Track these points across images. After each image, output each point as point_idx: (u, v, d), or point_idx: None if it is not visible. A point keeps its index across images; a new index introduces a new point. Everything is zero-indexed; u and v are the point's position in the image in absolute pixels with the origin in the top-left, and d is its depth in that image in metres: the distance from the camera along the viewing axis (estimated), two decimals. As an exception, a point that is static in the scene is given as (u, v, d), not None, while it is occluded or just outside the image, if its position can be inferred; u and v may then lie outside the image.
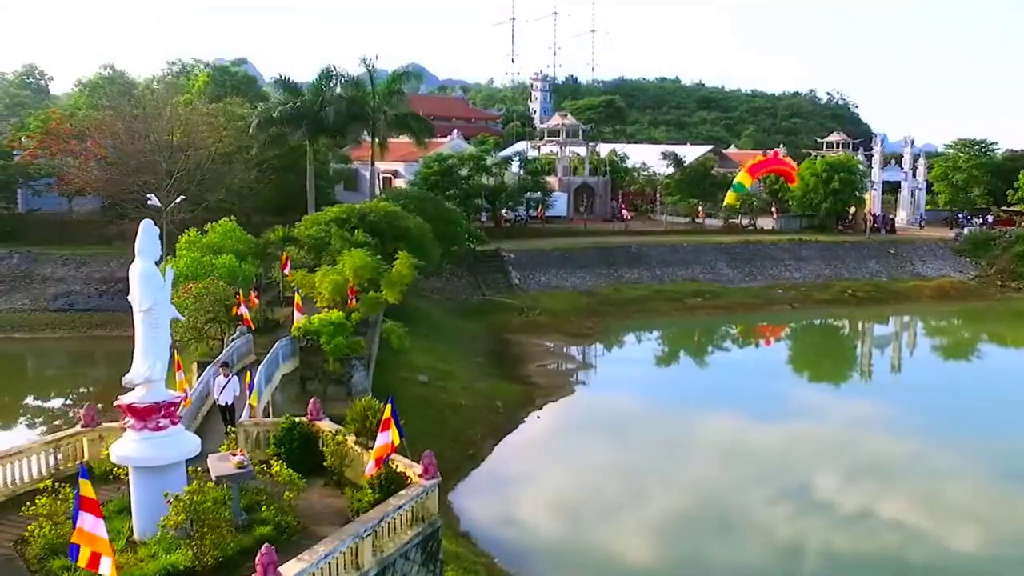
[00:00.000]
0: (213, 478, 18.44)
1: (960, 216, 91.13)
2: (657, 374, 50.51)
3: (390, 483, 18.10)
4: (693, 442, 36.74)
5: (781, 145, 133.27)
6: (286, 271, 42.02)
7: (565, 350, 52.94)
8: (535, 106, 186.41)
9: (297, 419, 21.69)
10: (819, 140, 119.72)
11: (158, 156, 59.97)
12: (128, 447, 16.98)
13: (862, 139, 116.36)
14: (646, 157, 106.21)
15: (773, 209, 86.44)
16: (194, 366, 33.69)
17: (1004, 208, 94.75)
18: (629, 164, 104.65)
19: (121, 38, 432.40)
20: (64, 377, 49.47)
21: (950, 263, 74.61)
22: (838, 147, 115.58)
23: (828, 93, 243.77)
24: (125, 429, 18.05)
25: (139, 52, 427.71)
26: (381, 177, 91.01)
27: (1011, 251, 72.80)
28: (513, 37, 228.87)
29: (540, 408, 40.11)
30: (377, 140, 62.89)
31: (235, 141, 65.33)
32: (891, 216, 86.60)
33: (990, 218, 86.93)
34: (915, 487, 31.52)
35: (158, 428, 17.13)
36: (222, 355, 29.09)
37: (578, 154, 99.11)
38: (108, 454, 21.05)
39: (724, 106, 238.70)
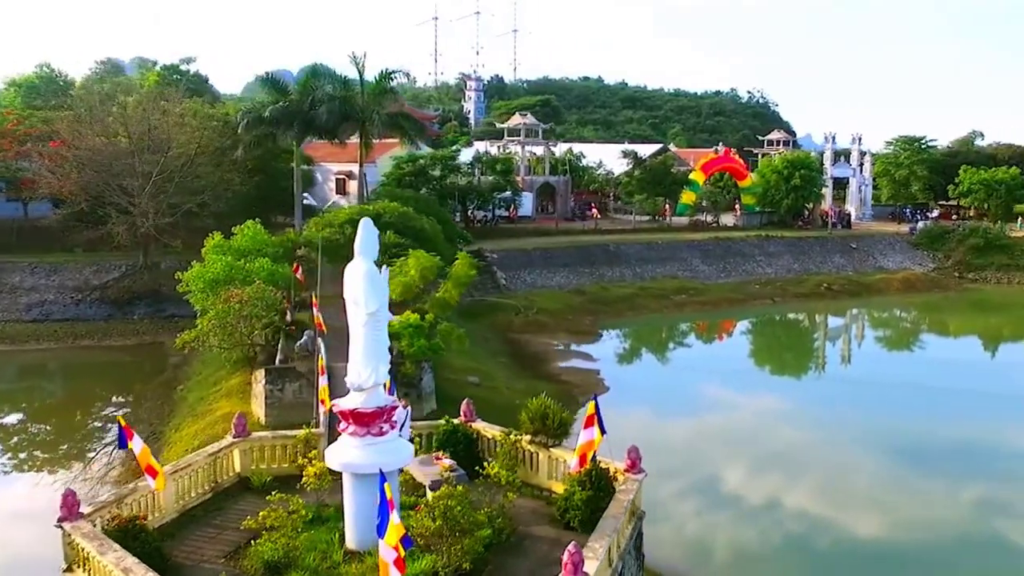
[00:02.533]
0: (429, 483, 18.23)
1: (906, 211, 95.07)
2: (682, 370, 51.23)
3: (599, 479, 18.11)
4: (748, 435, 37.66)
5: (720, 144, 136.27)
6: (298, 274, 41.31)
7: (576, 348, 53.19)
8: (469, 106, 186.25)
9: (456, 421, 21.53)
10: (760, 138, 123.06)
11: (131, 159, 58.06)
12: (351, 453, 16.59)
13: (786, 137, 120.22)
14: (601, 156, 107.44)
15: (737, 206, 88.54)
16: (260, 372, 32.90)
17: (941, 203, 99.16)
18: (585, 163, 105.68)
19: (56, 35, 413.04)
20: (82, 389, 47.14)
21: (909, 256, 77.73)
22: (779, 144, 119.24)
23: (749, 92, 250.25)
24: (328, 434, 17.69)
25: (74, 50, 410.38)
26: (335, 179, 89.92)
27: (965, 244, 76.20)
28: (436, 37, 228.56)
29: (582, 407, 40.30)
30: (363, 140, 62.01)
31: (214, 142, 63.73)
32: (847, 212, 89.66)
33: (935, 213, 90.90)
34: (822, 477, 32.42)
35: (381, 433, 16.79)
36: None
37: (534, 153, 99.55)
38: (256, 466, 20.58)
39: (649, 105, 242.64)
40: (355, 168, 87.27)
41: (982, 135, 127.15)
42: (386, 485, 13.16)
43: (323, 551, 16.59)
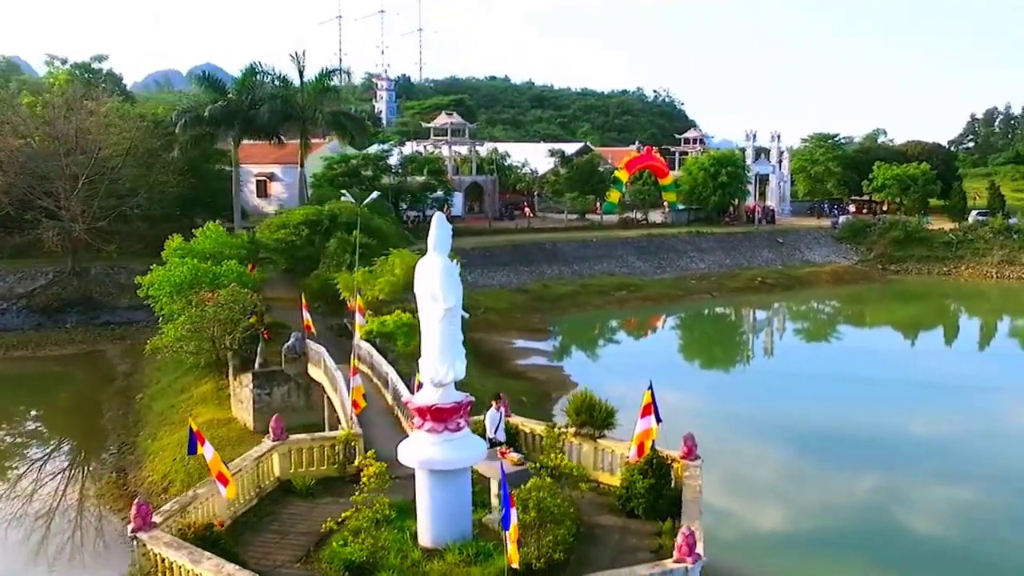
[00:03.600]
0: (502, 477, 18.16)
1: (824, 206, 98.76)
2: (640, 364, 51.87)
3: (660, 467, 18.40)
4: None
5: (638, 142, 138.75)
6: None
7: (531, 345, 53.51)
8: (381, 106, 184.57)
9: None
10: (678, 137, 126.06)
11: (58, 161, 55.67)
12: (430, 450, 16.42)
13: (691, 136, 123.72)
14: (525, 155, 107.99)
15: (665, 204, 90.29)
16: (246, 377, 32.08)
17: (855, 197, 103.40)
18: (509, 162, 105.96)
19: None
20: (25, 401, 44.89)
21: (833, 250, 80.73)
22: (694, 143, 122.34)
23: (655, 91, 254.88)
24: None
25: None
26: (255, 181, 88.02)
27: (887, 237, 79.57)
28: (340, 36, 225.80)
29: (555, 403, 40.61)
30: (304, 140, 61.06)
31: (145, 143, 61.56)
32: (771, 208, 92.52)
33: (852, 208, 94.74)
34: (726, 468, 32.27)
35: (458, 429, 16.70)
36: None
37: (460, 153, 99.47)
38: (295, 469, 20.19)
39: (557, 104, 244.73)
40: (277, 169, 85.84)
41: (885, 132, 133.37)
42: (497, 482, 13.17)
43: (399, 550, 16.38)
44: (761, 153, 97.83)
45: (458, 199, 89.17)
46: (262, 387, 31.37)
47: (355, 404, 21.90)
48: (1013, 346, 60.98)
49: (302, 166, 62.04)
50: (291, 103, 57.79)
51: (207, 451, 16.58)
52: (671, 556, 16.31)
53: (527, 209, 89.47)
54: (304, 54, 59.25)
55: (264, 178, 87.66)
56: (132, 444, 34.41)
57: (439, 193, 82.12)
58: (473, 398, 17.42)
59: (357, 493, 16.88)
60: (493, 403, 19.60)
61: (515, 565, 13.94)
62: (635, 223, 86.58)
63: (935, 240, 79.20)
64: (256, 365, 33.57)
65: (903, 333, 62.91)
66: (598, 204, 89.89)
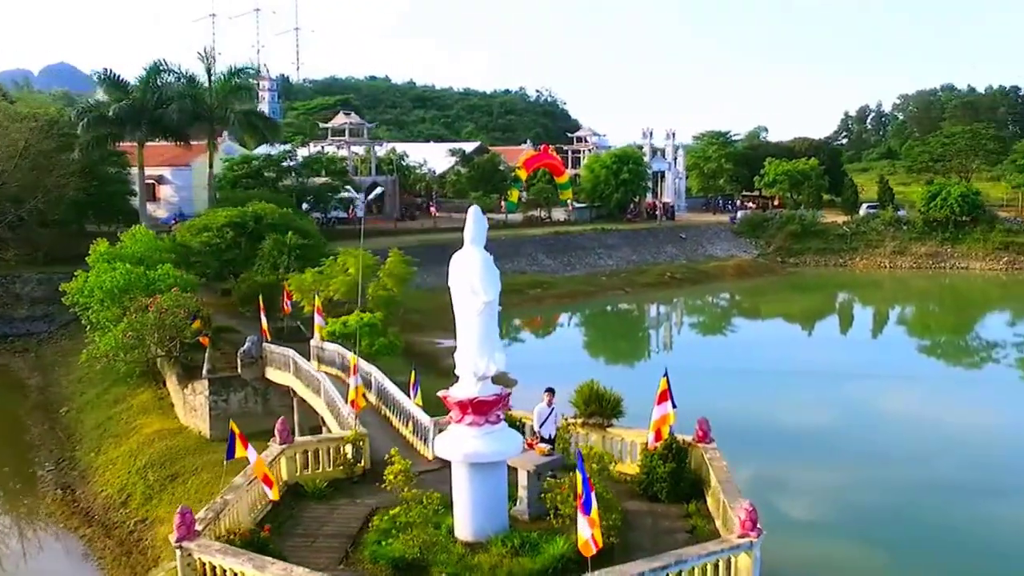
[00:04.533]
0: (533, 468, 18.21)
1: (719, 201, 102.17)
2: (575, 361, 52.43)
3: (679, 452, 18.85)
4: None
5: (528, 141, 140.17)
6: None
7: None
8: (263, 106, 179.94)
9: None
10: (569, 136, 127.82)
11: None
12: (472, 444, 16.29)
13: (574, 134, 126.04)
14: (424, 155, 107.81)
15: (570, 202, 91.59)
16: (201, 383, 30.99)
17: (745, 193, 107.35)
18: (408, 162, 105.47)
19: None
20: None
21: (734, 244, 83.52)
22: (586, 141, 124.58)
23: (537, 91, 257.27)
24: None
25: None
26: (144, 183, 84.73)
27: (784, 231, 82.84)
28: (214, 35, 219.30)
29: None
30: (212, 140, 59.16)
31: (39, 144, 58.32)
32: (671, 204, 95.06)
33: (751, 205, 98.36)
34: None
35: (497, 421, 16.69)
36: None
37: (357, 154, 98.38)
38: (300, 472, 19.77)
39: (440, 104, 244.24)
40: (166, 172, 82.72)
41: (766, 129, 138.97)
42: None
43: (441, 545, 16.24)
44: (657, 151, 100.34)
45: (360, 200, 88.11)
46: (218, 393, 30.45)
47: (354, 404, 21.51)
48: (900, 333, 64.05)
49: (211, 166, 60.01)
50: (200, 102, 55.85)
51: (251, 454, 16.06)
52: (706, 536, 16.94)
53: (432, 209, 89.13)
54: (213, 51, 57.47)
55: (152, 181, 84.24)
56: (71, 459, 32.73)
57: (344, 194, 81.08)
58: (508, 391, 17.40)
59: (406, 490, 16.62)
60: (544, 397, 19.52)
61: (594, 551, 14.05)
62: (540, 221, 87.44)
63: (830, 233, 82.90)
64: (204, 371, 32.53)
65: (801, 324, 65.41)
66: (502, 203, 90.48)
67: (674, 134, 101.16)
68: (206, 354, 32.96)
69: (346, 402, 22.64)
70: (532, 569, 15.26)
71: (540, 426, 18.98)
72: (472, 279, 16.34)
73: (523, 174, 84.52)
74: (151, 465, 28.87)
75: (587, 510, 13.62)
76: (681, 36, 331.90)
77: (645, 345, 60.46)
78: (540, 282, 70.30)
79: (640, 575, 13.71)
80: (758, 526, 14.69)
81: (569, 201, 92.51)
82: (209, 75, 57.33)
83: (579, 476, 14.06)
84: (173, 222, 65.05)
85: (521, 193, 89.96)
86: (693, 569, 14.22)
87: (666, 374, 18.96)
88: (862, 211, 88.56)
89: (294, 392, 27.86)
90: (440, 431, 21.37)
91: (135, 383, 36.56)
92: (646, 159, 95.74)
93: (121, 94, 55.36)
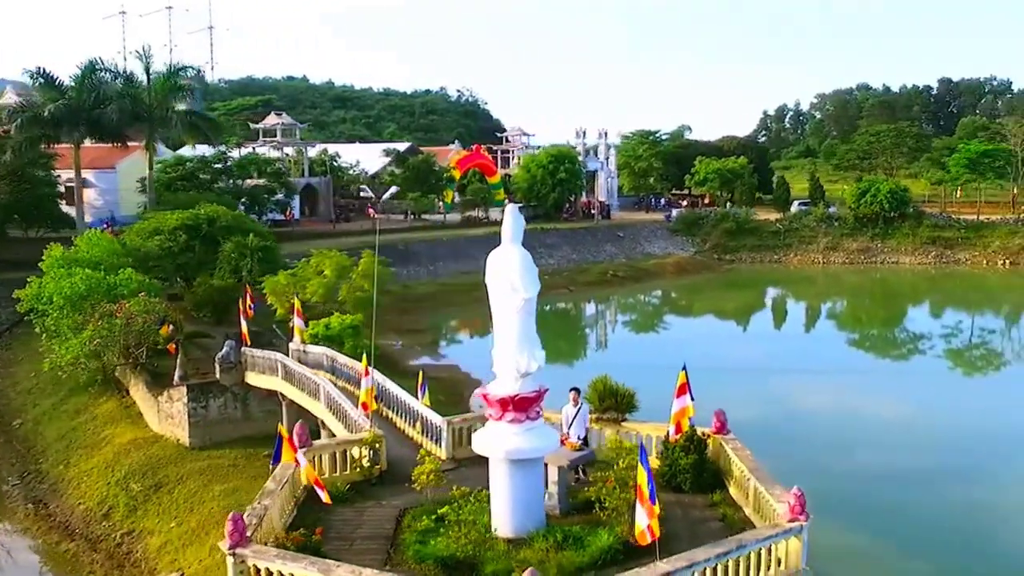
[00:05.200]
0: (565, 465, 18.36)
1: (651, 200, 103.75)
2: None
3: (699, 443, 19.27)
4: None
5: (455, 141, 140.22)
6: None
7: (415, 347, 53.33)
8: (182, 106, 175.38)
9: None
10: (499, 135, 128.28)
11: None
12: (514, 440, 16.41)
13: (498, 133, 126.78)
14: (357, 155, 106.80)
15: (507, 200, 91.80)
16: (180, 390, 30.19)
17: (675, 191, 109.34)
18: (340, 163, 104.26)
19: None
20: None
21: (671, 242, 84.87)
22: (510, 140, 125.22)
23: (458, 91, 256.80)
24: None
25: None
26: (65, 187, 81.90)
27: (719, 228, 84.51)
28: (124, 33, 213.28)
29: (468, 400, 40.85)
30: (150, 142, 57.51)
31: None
32: (607, 203, 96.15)
33: (684, 203, 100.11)
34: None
35: (536, 417, 16.83)
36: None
37: (288, 155, 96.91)
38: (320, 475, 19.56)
39: (360, 105, 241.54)
40: (89, 175, 79.85)
41: (690, 128, 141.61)
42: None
43: (488, 542, 16.27)
44: (589, 150, 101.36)
45: (295, 202, 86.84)
46: (197, 400, 29.72)
47: (365, 406, 21.34)
48: (833, 327, 65.45)
49: (151, 168, 58.25)
50: (139, 102, 54.27)
51: (301, 459, 15.83)
52: (737, 524, 17.41)
53: (371, 211, 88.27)
54: (149, 49, 55.82)
55: (73, 184, 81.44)
56: (37, 473, 31.49)
57: (280, 196, 79.79)
58: (548, 387, 17.51)
59: (455, 488, 16.62)
60: (571, 396, 19.60)
61: (649, 540, 14.32)
62: (478, 222, 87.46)
63: (764, 230, 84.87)
64: (176, 378, 31.76)
65: (737, 320, 66.57)
66: (440, 203, 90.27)
67: (606, 133, 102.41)
68: (178, 360, 32.19)
69: (354, 405, 22.48)
70: (580, 563, 15.45)
71: (568, 426, 19.09)
72: (512, 276, 16.47)
73: (456, 174, 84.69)
74: (131, 476, 28.05)
75: (653, 500, 13.90)
76: (602, 36, 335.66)
77: (583, 344, 60.80)
78: (481, 283, 70.32)
79: (707, 560, 14.06)
80: (807, 510, 15.19)
81: (506, 200, 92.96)
82: (148, 74, 55.72)
83: (641, 468, 14.31)
84: (104, 227, 63.11)
85: (455, 193, 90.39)
86: (750, 554, 14.62)
87: (684, 368, 19.40)
88: (793, 208, 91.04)
89: (283, 396, 27.41)
90: (453, 431, 21.49)
91: (96, 392, 35.39)
92: (580, 158, 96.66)
93: (56, 94, 53.39)
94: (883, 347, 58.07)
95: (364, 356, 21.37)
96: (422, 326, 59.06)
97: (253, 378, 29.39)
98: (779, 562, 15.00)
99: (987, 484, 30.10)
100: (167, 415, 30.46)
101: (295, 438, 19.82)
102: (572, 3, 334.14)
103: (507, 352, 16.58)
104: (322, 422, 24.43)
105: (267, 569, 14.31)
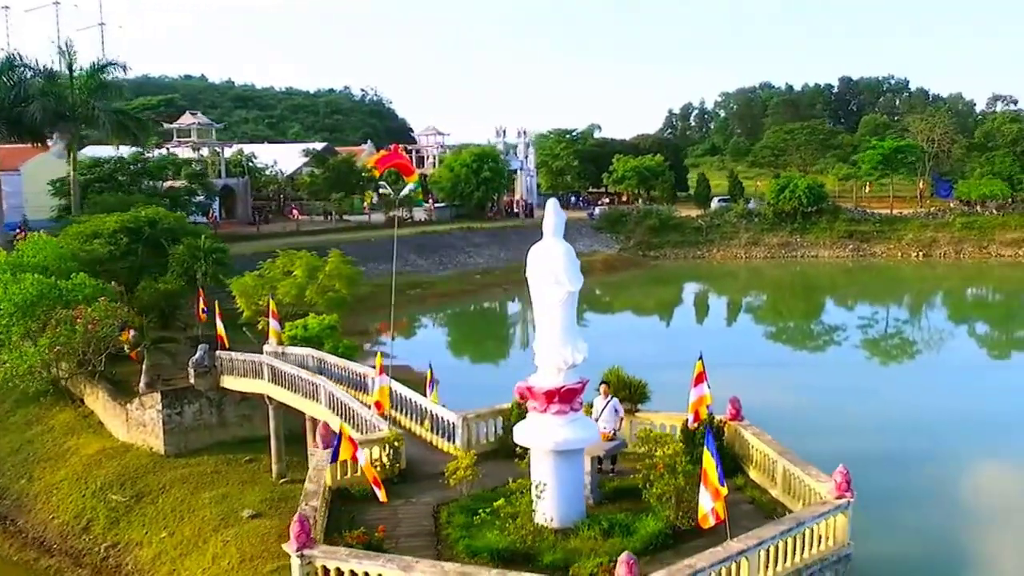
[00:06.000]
0: (602, 454, 18.65)
1: (571, 198, 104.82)
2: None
3: (717, 430, 19.83)
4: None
5: (368, 141, 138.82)
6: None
7: (366, 348, 52.77)
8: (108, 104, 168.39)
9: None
10: (412, 135, 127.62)
11: None
12: (560, 432, 16.63)
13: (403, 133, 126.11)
14: (274, 155, 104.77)
15: (429, 200, 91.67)
16: (153, 397, 29.22)
17: (592, 190, 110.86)
18: (257, 163, 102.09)
19: None
20: None
21: (596, 239, 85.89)
22: (416, 140, 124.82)
23: (363, 90, 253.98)
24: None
25: None
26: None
27: (643, 225, 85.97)
28: (8, 29, 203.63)
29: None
30: (73, 143, 55.29)
31: None
32: (530, 202, 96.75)
33: (606, 200, 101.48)
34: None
35: (578, 409, 17.08)
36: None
37: (202, 155, 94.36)
38: (340, 476, 19.46)
39: (262, 104, 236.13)
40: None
41: (600, 127, 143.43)
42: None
43: (537, 533, 16.40)
44: (510, 149, 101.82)
45: (215, 204, 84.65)
46: (172, 407, 28.85)
47: (379, 405, 21.16)
48: (753, 321, 67.28)
49: (74, 170, 55.83)
50: (62, 101, 52.05)
51: (360, 458, 15.65)
52: (768, 505, 18.05)
53: (295, 212, 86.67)
54: (72, 44, 53.55)
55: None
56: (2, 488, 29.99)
57: (201, 198, 77.65)
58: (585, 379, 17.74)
59: (512, 481, 16.67)
60: (601, 389, 19.80)
61: (712, 523, 14.75)
62: (403, 222, 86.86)
63: (687, 226, 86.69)
64: (142, 385, 30.86)
65: (660, 315, 68.00)
66: (366, 204, 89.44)
67: (525, 132, 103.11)
68: (143, 367, 31.28)
69: (362, 404, 22.27)
70: (632, 549, 15.59)
71: (597, 419, 19.34)
72: (556, 270, 16.64)
73: (376, 173, 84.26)
74: (108, 487, 27.07)
75: (722, 482, 14.33)
76: (508, 37, 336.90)
77: (508, 344, 61.03)
78: (419, 283, 70.04)
79: (772, 538, 14.56)
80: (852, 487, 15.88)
81: (430, 200, 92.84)
82: (71, 71, 53.50)
83: (708, 452, 14.71)
84: (17, 231, 60.43)
85: (375, 194, 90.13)
86: (805, 531, 15.19)
87: (701, 357, 19.94)
88: (714, 205, 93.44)
89: (270, 399, 26.86)
90: (468, 426, 21.50)
91: (48, 403, 33.89)
92: (503, 157, 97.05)
93: (-29, 91, 50.84)
94: (802, 339, 59.60)
95: (379, 355, 21.12)
96: (360, 326, 58.43)
97: (231, 382, 28.69)
98: (828, 538, 15.62)
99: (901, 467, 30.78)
100: (138, 423, 29.47)
101: (319, 439, 19.62)
102: (474, 4, 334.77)
103: (550, 345, 16.75)
104: (311, 424, 24.06)
105: (337, 569, 14.14)
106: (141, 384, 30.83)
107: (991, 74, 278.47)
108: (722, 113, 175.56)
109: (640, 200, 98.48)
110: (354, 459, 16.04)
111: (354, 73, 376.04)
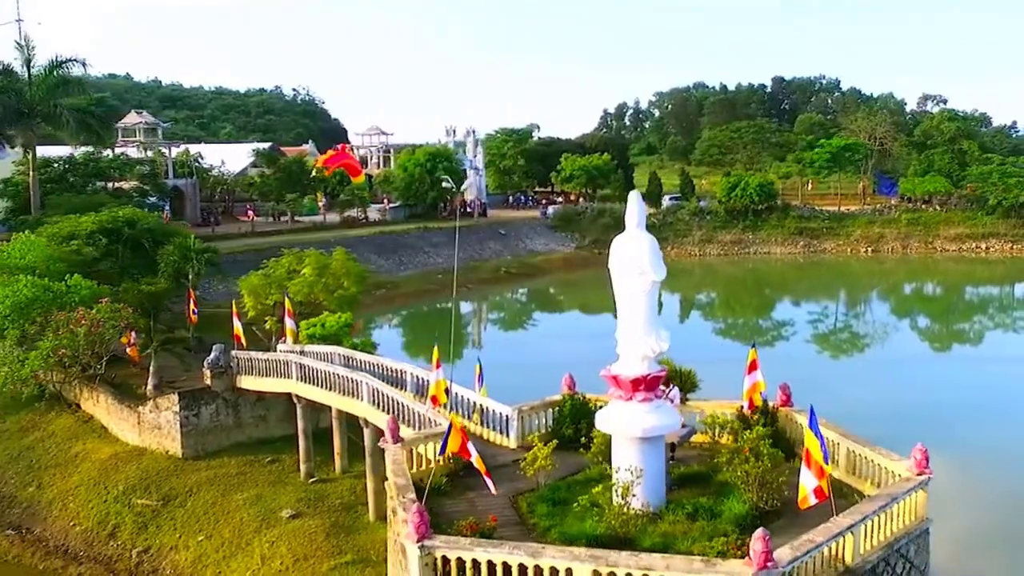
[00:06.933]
0: (676, 441, 19.07)
1: (521, 198, 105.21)
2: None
3: (771, 415, 20.50)
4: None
5: (309, 141, 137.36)
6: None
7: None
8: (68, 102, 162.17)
9: (578, 395, 22.03)
10: (358, 134, 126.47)
11: None
12: (649, 419, 17.03)
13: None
14: (222, 155, 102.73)
15: (385, 200, 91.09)
16: (169, 399, 28.62)
17: (538, 189, 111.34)
18: (204, 164, 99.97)
19: None
20: None
21: (551, 238, 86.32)
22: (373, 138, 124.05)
23: (294, 90, 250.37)
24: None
25: None
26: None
27: (597, 224, 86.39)
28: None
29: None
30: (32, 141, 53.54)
31: None
32: (484, 201, 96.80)
33: (560, 200, 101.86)
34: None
35: (661, 396, 17.50)
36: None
37: (147, 155, 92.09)
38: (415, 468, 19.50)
39: (192, 104, 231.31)
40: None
41: (538, 127, 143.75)
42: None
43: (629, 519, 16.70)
44: (458, 149, 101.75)
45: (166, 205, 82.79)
46: (189, 408, 28.34)
47: (435, 399, 21.23)
48: (705, 318, 68.66)
49: (34, 171, 54.00)
50: (21, 98, 50.38)
51: (472, 451, 15.79)
52: (835, 486, 18.65)
53: (251, 213, 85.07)
54: (30, 40, 51.87)
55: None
56: (4, 497, 29.01)
57: (152, 199, 75.87)
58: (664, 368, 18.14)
59: (587, 469, 16.96)
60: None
61: (812, 503, 15.32)
62: (357, 222, 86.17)
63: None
64: (151, 387, 30.28)
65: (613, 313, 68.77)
66: (322, 205, 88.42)
67: (474, 131, 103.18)
68: (151, 368, 30.67)
69: (414, 400, 22.30)
70: (724, 531, 16.20)
71: None
72: (641, 260, 17.02)
73: (326, 174, 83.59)
74: (131, 491, 26.50)
75: (827, 461, 14.94)
76: (439, 36, 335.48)
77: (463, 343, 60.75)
78: (383, 283, 69.51)
79: (873, 513, 15.19)
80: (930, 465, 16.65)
81: (386, 200, 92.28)
82: (28, 67, 51.85)
83: (811, 433, 15.29)
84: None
85: (325, 195, 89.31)
86: (895, 506, 15.86)
87: (754, 346, 20.62)
88: (664, 203, 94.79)
89: (299, 398, 26.60)
90: (522, 418, 21.70)
91: (43, 409, 32.98)
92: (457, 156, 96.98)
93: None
94: (750, 336, 60.10)
95: (435, 349, 21.16)
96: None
97: (251, 382, 28.31)
98: (911, 513, 16.33)
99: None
100: (152, 426, 28.86)
101: (388, 433, 19.61)
102: (407, 4, 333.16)
103: (634, 334, 17.14)
104: (364, 421, 23.95)
105: (457, 559, 14.27)
106: (148, 387, 30.23)
107: (919, 74, 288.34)
108: (656, 112, 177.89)
109: (585, 199, 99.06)
110: (463, 451, 16.07)
111: (282, 72, 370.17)
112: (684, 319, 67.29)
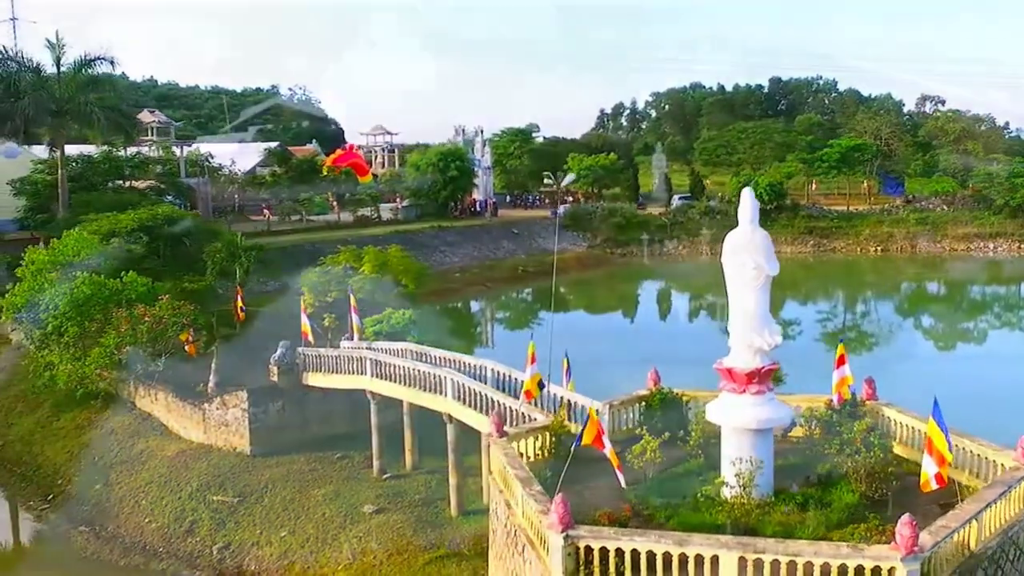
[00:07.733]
0: (784, 433, 19.40)
1: (528, 197, 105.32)
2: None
3: (859, 406, 20.83)
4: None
5: (313, 140, 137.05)
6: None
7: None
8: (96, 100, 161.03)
9: (666, 390, 22.30)
10: (362, 134, 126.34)
11: None
12: (762, 411, 17.40)
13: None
14: (231, 155, 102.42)
15: (398, 199, 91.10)
16: (237, 396, 28.77)
17: (542, 189, 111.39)
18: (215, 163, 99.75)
19: None
20: None
21: (563, 237, 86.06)
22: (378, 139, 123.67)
23: (291, 89, 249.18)
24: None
25: None
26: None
27: (608, 223, 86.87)
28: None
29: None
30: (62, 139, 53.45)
31: None
32: (494, 201, 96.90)
33: (570, 199, 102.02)
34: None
35: (772, 388, 17.85)
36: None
37: (159, 154, 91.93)
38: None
39: (188, 104, 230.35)
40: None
41: (538, 127, 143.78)
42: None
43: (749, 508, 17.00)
44: (467, 148, 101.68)
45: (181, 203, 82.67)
46: (257, 405, 28.51)
47: (528, 394, 21.49)
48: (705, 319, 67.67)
49: (62, 167, 53.72)
50: (51, 96, 50.28)
51: (606, 443, 16.13)
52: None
53: (267, 211, 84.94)
54: (61, 38, 51.73)
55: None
56: (66, 495, 29.17)
57: (170, 197, 75.79)
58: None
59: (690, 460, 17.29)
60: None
61: (933, 487, 15.75)
62: (371, 221, 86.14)
63: (651, 224, 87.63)
64: (212, 384, 30.45)
65: (625, 311, 69.80)
66: (335, 204, 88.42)
67: (482, 131, 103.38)
68: (212, 366, 30.81)
69: (506, 395, 22.56)
70: (838, 520, 16.57)
71: None
72: (756, 255, 17.40)
73: (336, 172, 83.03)
74: (205, 488, 26.66)
75: (950, 448, 15.40)
76: (439, 36, 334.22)
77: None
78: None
79: (994, 499, 15.58)
80: (1030, 454, 17.05)
81: (397, 200, 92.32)
82: (58, 66, 51.77)
83: (933, 421, 15.70)
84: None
85: (332, 195, 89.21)
86: (1012, 492, 16.23)
87: (842, 340, 21.00)
88: (674, 202, 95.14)
89: (373, 395, 26.79)
90: (613, 413, 21.96)
91: (98, 406, 33.09)
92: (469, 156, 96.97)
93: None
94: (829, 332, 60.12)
95: (531, 344, 21.39)
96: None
97: (320, 379, 28.50)
98: (1021, 500, 16.73)
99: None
100: (219, 423, 29.01)
101: (493, 428, 19.86)
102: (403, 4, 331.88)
103: (747, 328, 17.50)
104: (448, 416, 24.16)
105: (601, 548, 14.53)
106: (210, 384, 30.39)
107: (917, 75, 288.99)
108: (654, 113, 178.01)
109: (591, 199, 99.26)
110: (598, 442, 16.36)
111: (282, 73, 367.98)
112: (693, 319, 67.62)
